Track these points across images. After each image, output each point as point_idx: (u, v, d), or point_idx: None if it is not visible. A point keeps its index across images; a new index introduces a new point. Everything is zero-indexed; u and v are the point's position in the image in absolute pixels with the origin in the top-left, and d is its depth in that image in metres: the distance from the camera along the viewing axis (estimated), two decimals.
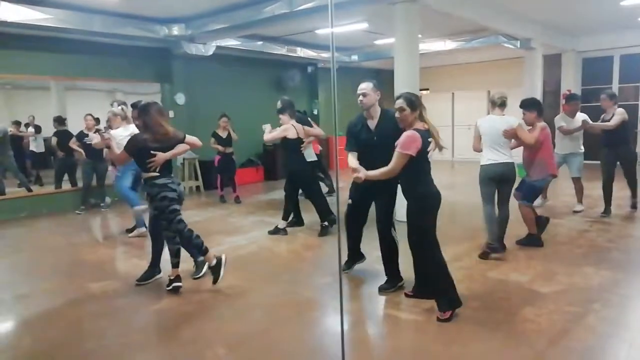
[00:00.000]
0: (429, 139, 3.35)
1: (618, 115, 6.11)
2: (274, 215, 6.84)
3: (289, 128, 5.72)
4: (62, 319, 3.72)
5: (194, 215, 7.16)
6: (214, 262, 4.08)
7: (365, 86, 3.91)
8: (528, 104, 5.12)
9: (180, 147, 4.11)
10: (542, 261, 4.64)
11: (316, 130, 6.20)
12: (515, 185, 4.95)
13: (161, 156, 3.93)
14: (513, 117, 4.71)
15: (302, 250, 5.41)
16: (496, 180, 4.63)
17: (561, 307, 3.54)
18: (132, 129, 5.34)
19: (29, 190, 8.19)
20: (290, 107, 5.85)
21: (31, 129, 9.01)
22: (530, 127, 4.99)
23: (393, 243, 3.94)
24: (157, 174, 3.96)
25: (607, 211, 6.33)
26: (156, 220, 4.17)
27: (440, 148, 3.46)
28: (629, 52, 11.58)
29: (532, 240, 5.08)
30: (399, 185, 3.59)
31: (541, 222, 5.18)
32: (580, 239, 5.39)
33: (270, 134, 5.77)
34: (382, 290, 3.92)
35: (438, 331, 3.28)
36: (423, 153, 3.32)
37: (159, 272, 4.40)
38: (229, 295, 4.04)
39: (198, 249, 4.16)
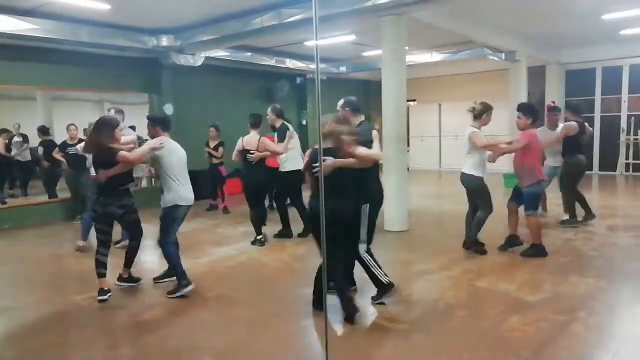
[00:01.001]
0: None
1: (562, 129, 6.42)
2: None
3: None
4: (47, 331, 3.67)
5: (182, 226, 7.09)
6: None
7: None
8: (522, 108, 5.19)
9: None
10: (528, 270, 4.69)
11: (273, 147, 6.04)
12: (507, 196, 5.06)
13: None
14: (470, 127, 5.07)
15: (291, 260, 5.41)
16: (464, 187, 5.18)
17: (548, 315, 3.58)
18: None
19: (3, 202, 8.12)
20: (252, 119, 5.98)
21: (17, 139, 8.87)
22: (522, 133, 5.09)
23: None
24: None
25: (589, 217, 6.44)
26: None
27: None
28: (611, 65, 11.86)
29: (538, 251, 5.08)
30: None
31: (513, 240, 5.30)
32: (566, 247, 5.46)
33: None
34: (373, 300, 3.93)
35: (425, 341, 3.30)
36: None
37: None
38: (218, 306, 4.02)
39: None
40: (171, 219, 4.27)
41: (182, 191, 4.26)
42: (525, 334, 3.29)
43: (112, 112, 6.17)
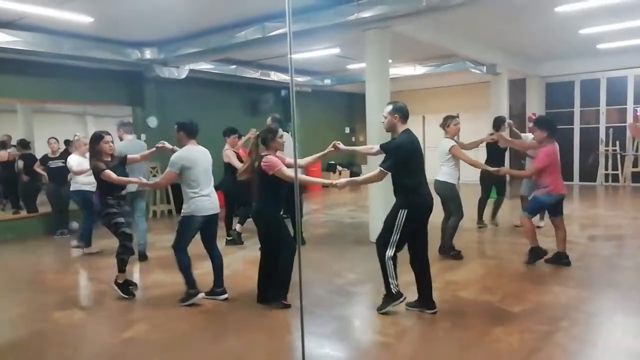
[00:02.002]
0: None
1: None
2: (247, 239, 6.78)
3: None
4: (26, 349, 3.56)
5: (165, 240, 7.01)
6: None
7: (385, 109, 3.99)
8: (539, 122, 5.24)
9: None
10: (511, 280, 4.73)
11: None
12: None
13: None
14: (445, 139, 5.47)
15: None
16: None
17: (531, 326, 3.60)
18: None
19: None
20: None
21: (12, 150, 8.44)
22: (538, 145, 5.19)
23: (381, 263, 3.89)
24: None
25: (480, 223, 7.13)
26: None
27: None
28: (589, 78, 12.14)
29: (559, 258, 5.16)
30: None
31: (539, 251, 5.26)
32: (548, 258, 5.50)
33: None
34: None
35: (408, 352, 3.29)
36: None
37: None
38: (204, 320, 3.96)
39: None
40: (186, 227, 4.26)
41: (199, 201, 4.22)
42: (509, 345, 3.30)
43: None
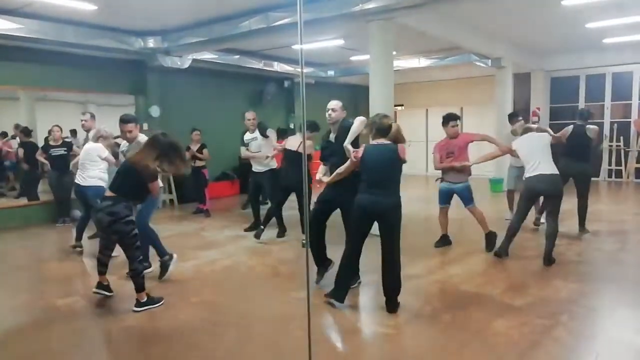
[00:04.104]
0: None
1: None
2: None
3: None
4: (28, 337, 3.59)
5: (167, 229, 7.04)
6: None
7: (336, 104, 4.37)
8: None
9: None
10: (513, 274, 4.73)
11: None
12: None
13: None
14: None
15: (277, 264, 5.38)
16: None
17: (531, 319, 3.60)
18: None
19: None
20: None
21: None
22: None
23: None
24: None
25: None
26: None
27: None
28: (595, 72, 12.06)
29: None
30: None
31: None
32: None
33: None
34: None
35: (409, 345, 3.30)
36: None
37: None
38: (202, 311, 3.98)
39: None
40: None
41: None
42: (509, 338, 3.31)
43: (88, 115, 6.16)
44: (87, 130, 6.46)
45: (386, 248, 3.71)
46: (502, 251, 5.18)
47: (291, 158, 5.97)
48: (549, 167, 4.97)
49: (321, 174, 4.40)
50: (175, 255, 4.72)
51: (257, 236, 6.18)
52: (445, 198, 5.66)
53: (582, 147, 6.17)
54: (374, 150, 3.75)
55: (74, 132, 8.24)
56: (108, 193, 3.98)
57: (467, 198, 5.49)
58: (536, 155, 5.01)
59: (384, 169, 3.70)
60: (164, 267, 4.65)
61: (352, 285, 4.16)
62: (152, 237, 4.67)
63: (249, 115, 6.66)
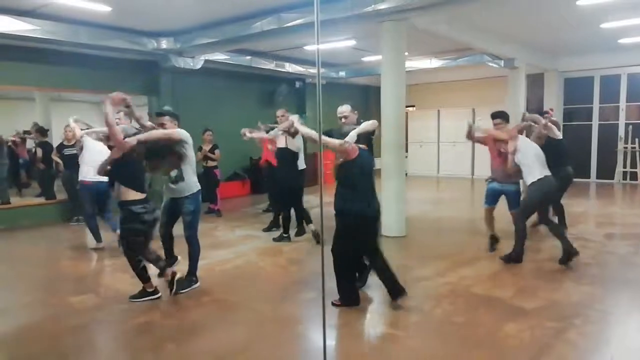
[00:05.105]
0: None
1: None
2: (260, 229, 6.83)
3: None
4: (41, 333, 3.64)
5: (179, 229, 7.08)
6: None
7: (344, 109, 4.54)
8: None
9: None
10: (524, 277, 4.70)
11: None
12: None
13: None
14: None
15: (288, 265, 5.40)
16: None
17: (543, 322, 3.57)
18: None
19: (7, 202, 8.07)
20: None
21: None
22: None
23: None
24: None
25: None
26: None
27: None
28: (609, 73, 11.90)
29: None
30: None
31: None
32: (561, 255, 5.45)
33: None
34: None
35: (421, 347, 3.29)
36: None
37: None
38: (214, 310, 4.01)
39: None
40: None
41: None
42: (520, 341, 3.29)
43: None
44: (69, 141, 6.91)
45: (376, 245, 3.96)
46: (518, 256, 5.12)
47: (283, 155, 6.18)
48: (547, 169, 5.02)
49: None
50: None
51: (280, 239, 6.28)
52: (492, 198, 5.57)
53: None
54: (365, 154, 3.85)
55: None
56: (140, 195, 3.99)
57: (515, 202, 5.36)
58: (540, 157, 5.01)
59: (372, 175, 3.93)
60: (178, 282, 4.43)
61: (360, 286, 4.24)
62: (197, 250, 4.59)
63: (280, 112, 6.51)
